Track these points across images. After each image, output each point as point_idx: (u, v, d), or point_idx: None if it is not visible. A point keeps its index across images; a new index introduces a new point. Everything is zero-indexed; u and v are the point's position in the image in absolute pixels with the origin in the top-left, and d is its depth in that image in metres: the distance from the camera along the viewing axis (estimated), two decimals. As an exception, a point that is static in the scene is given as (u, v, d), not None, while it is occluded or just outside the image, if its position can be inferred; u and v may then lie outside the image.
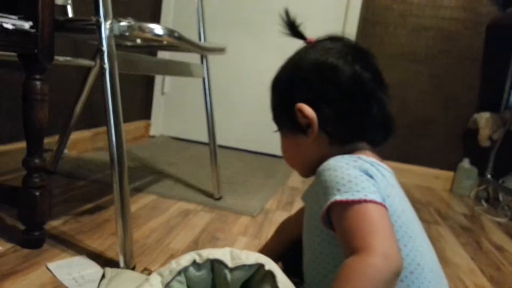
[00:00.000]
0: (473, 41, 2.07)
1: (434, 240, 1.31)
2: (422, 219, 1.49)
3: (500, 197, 1.87)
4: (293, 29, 0.72)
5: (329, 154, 0.59)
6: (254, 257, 0.53)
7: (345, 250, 0.49)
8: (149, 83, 2.43)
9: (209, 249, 0.54)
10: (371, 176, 0.53)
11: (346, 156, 0.57)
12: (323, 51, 0.64)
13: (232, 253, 0.54)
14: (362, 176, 0.52)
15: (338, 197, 0.50)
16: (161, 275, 0.52)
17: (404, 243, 0.53)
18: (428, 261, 0.55)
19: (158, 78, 2.44)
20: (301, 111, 0.62)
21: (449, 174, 2.15)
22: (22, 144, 1.34)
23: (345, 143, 0.63)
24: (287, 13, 0.72)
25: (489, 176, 1.98)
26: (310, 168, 0.64)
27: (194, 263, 0.52)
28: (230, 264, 0.53)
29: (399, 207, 0.54)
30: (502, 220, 1.67)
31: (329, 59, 0.62)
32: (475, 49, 2.07)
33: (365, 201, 0.49)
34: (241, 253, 0.54)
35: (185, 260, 0.52)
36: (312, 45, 0.68)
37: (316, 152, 0.64)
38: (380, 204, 0.50)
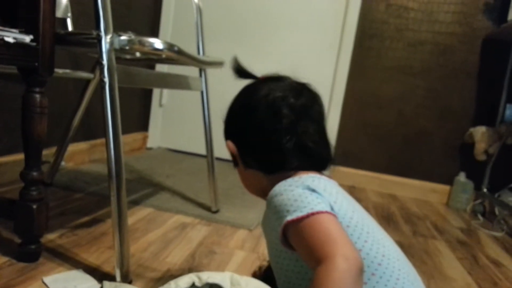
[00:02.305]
0: (468, 55, 2.09)
1: (431, 254, 1.31)
2: (419, 233, 1.51)
3: (496, 211, 1.87)
4: (242, 73, 0.76)
5: (270, 183, 0.64)
6: (254, 285, 0.53)
7: (309, 265, 0.52)
8: (147, 95, 2.44)
9: (209, 272, 0.54)
10: (313, 190, 0.57)
11: (289, 180, 0.61)
12: (253, 90, 0.71)
13: (232, 278, 0.54)
14: (306, 192, 0.56)
15: (289, 217, 0.54)
16: (158, 295, 0.51)
17: (364, 239, 0.56)
18: (391, 251, 0.58)
19: (156, 90, 2.44)
20: (227, 147, 0.72)
21: (446, 187, 2.16)
22: (19, 156, 1.35)
23: (275, 173, 0.66)
24: (235, 60, 0.77)
25: (485, 190, 1.99)
26: (264, 195, 0.67)
27: (193, 286, 0.52)
28: None
29: (349, 209, 0.58)
30: (498, 234, 1.67)
31: (251, 99, 0.69)
32: (470, 63, 2.10)
33: (313, 213, 0.52)
34: (241, 279, 0.54)
35: (184, 282, 0.52)
36: (254, 84, 0.73)
37: (258, 182, 0.70)
38: (327, 212, 0.53)
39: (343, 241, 0.49)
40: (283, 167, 0.66)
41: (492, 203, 1.95)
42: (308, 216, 0.52)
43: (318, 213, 0.52)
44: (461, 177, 2.07)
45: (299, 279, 0.59)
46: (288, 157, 0.65)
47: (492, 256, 1.39)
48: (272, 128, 0.66)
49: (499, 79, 2.05)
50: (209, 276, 0.52)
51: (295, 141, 0.64)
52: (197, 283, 0.52)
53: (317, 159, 0.67)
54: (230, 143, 0.71)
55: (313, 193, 0.56)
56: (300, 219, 0.52)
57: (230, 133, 0.74)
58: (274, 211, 0.58)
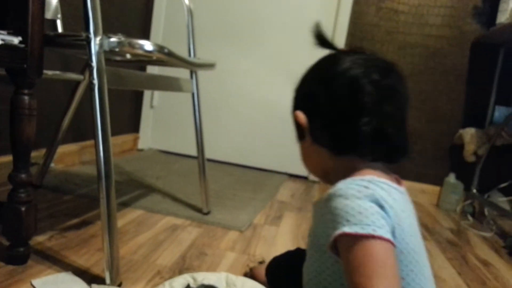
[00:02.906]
0: (458, 58, 2.11)
1: (421, 255, 1.32)
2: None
3: (486, 211, 1.89)
4: (323, 41, 0.70)
5: (335, 166, 0.62)
6: (249, 286, 0.53)
7: (348, 282, 0.51)
8: (138, 96, 2.43)
9: (204, 273, 0.53)
10: (382, 206, 0.53)
11: (358, 180, 0.56)
12: (334, 61, 0.64)
13: (227, 279, 0.53)
14: (373, 208, 0.52)
15: (347, 229, 0.50)
16: (151, 295, 0.51)
17: (411, 268, 0.54)
18: (428, 283, 0.57)
19: (147, 92, 2.44)
20: (295, 118, 0.65)
21: (436, 188, 2.18)
22: (7, 158, 1.33)
23: (340, 155, 0.62)
24: (318, 26, 0.70)
25: (474, 191, 2.01)
26: (324, 176, 0.65)
27: (187, 287, 0.52)
28: None
29: (408, 232, 0.55)
30: (488, 234, 1.69)
31: (331, 70, 0.62)
32: (460, 66, 2.12)
33: (373, 236, 0.49)
34: (236, 280, 0.53)
35: (178, 283, 0.52)
36: (335, 54, 0.67)
37: (321, 160, 0.65)
38: (388, 240, 0.50)
39: (391, 279, 0.48)
40: (353, 151, 0.60)
41: (481, 204, 1.97)
42: (367, 236, 0.49)
43: (378, 238, 0.49)
44: (451, 178, 2.08)
45: (330, 278, 0.58)
46: (362, 141, 0.59)
47: (482, 256, 1.40)
48: (352, 105, 0.59)
49: (488, 82, 2.07)
50: (204, 277, 0.52)
51: (375, 124, 0.58)
52: (192, 285, 0.51)
53: (393, 150, 0.61)
54: (300, 114, 0.65)
55: (380, 211, 0.52)
56: (358, 236, 0.49)
57: (301, 103, 0.67)
58: (332, 212, 0.54)
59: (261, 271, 0.90)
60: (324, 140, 0.63)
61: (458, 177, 2.09)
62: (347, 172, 0.59)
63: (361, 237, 0.49)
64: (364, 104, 0.58)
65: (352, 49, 0.65)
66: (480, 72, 2.09)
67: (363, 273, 0.48)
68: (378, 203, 0.53)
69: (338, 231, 0.51)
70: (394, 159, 0.62)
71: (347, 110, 0.60)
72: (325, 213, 0.55)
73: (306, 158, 0.69)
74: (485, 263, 1.34)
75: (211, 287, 0.51)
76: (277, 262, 0.87)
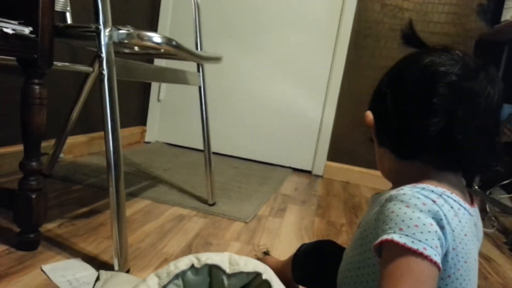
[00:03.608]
0: (463, 55, 2.11)
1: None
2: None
3: (487, 208, 1.89)
4: (410, 38, 0.64)
5: (400, 168, 0.59)
6: (252, 265, 0.54)
7: (378, 286, 0.49)
8: (145, 89, 2.45)
9: (208, 254, 0.54)
10: (442, 227, 0.49)
11: (428, 190, 0.51)
12: (411, 60, 0.60)
13: (230, 259, 0.54)
14: (432, 226, 0.48)
15: (397, 237, 0.47)
16: (158, 276, 0.52)
17: None
18: None
19: (154, 85, 2.46)
20: (364, 118, 0.63)
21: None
22: (17, 148, 1.36)
23: (404, 159, 0.58)
24: (410, 23, 0.64)
25: (476, 187, 2.01)
26: (394, 180, 0.62)
27: (192, 267, 0.53)
28: (228, 270, 0.53)
29: (462, 259, 0.51)
30: (489, 230, 1.69)
31: (406, 69, 0.59)
32: (465, 63, 2.11)
33: (421, 255, 0.46)
34: (239, 259, 0.54)
35: (183, 263, 0.53)
36: (417, 53, 0.62)
37: (389, 163, 0.62)
38: (435, 263, 0.47)
39: None
40: (416, 156, 0.56)
41: (483, 201, 1.97)
42: (415, 252, 0.46)
43: (426, 258, 0.46)
44: (454, 174, 2.08)
45: (367, 277, 0.57)
46: (426, 146, 0.54)
47: (483, 252, 1.41)
48: (417, 106, 0.54)
49: (493, 79, 2.06)
50: (207, 257, 0.53)
51: (442, 128, 0.52)
52: (196, 264, 0.53)
53: (465, 160, 0.55)
54: (369, 114, 0.62)
55: (438, 231, 0.48)
56: (406, 249, 0.46)
57: (371, 102, 0.64)
58: (388, 215, 0.50)
59: (268, 262, 0.91)
60: (387, 142, 0.60)
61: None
62: (415, 178, 0.55)
63: (408, 250, 0.46)
64: (431, 106, 0.52)
65: (437, 48, 0.59)
66: (485, 69, 2.09)
67: (397, 286, 0.46)
68: (440, 222, 0.49)
69: (387, 237, 0.48)
70: (469, 171, 0.57)
71: (411, 111, 0.55)
72: (381, 212, 0.52)
73: (377, 160, 0.65)
74: (487, 259, 1.35)
75: (215, 266, 0.53)
76: (307, 251, 0.83)
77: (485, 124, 0.54)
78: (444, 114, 0.52)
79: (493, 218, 1.83)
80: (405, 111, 0.55)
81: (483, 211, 1.94)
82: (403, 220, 0.48)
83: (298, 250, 0.83)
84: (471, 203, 0.57)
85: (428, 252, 0.46)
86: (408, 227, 0.47)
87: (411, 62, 0.59)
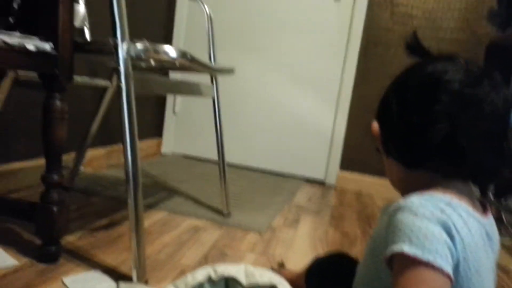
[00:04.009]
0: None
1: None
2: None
3: (504, 218, 1.85)
4: (414, 48, 0.66)
5: (407, 178, 0.59)
6: (267, 277, 0.54)
7: None
8: (161, 102, 2.48)
9: (224, 265, 0.55)
10: (452, 236, 0.48)
11: (436, 199, 0.51)
12: (414, 69, 0.61)
13: (246, 270, 0.55)
14: (441, 235, 0.48)
15: (407, 248, 0.47)
16: (176, 287, 0.53)
17: None
18: None
19: (169, 98, 2.49)
20: (371, 128, 0.63)
21: (456, 192, 2.14)
22: (37, 162, 1.39)
23: (411, 168, 0.58)
24: (414, 33, 0.66)
25: (491, 196, 1.97)
26: (401, 189, 0.62)
27: (209, 279, 0.54)
28: (244, 282, 0.54)
29: (474, 269, 0.50)
30: (506, 240, 1.65)
31: (409, 77, 0.60)
32: (476, 69, 2.09)
33: (432, 266, 0.46)
34: (255, 271, 0.55)
35: (200, 275, 0.54)
36: (421, 62, 0.63)
37: (397, 172, 0.61)
38: (446, 274, 0.46)
39: None
40: (422, 165, 0.56)
41: (498, 210, 1.92)
42: (426, 264, 0.46)
43: (437, 268, 0.46)
44: (470, 182, 2.04)
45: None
46: (431, 153, 0.54)
47: (500, 263, 1.38)
48: (421, 113, 0.54)
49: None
50: (224, 269, 0.54)
51: (446, 134, 0.52)
52: (213, 276, 0.54)
53: (472, 166, 0.55)
54: (375, 125, 0.62)
55: (448, 240, 0.48)
56: (416, 261, 0.46)
57: (377, 112, 0.63)
58: (397, 225, 0.50)
59: (283, 273, 0.90)
60: (393, 152, 0.60)
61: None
62: (423, 187, 0.55)
63: (419, 262, 0.46)
64: (433, 113, 0.53)
65: (440, 55, 0.60)
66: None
67: None
68: (449, 231, 0.48)
69: (397, 249, 0.48)
70: (477, 178, 0.57)
71: (415, 119, 0.55)
72: (390, 224, 0.52)
73: (386, 170, 0.65)
74: (505, 270, 1.32)
75: (232, 278, 0.54)
76: (320, 265, 0.83)
77: (490, 129, 0.53)
78: (447, 120, 0.52)
79: (509, 227, 1.79)
80: (409, 119, 0.56)
81: (498, 221, 1.90)
82: (412, 231, 0.48)
83: (312, 263, 0.84)
84: (483, 212, 0.56)
85: (438, 262, 0.46)
86: (418, 238, 0.47)
87: (415, 72, 0.60)
